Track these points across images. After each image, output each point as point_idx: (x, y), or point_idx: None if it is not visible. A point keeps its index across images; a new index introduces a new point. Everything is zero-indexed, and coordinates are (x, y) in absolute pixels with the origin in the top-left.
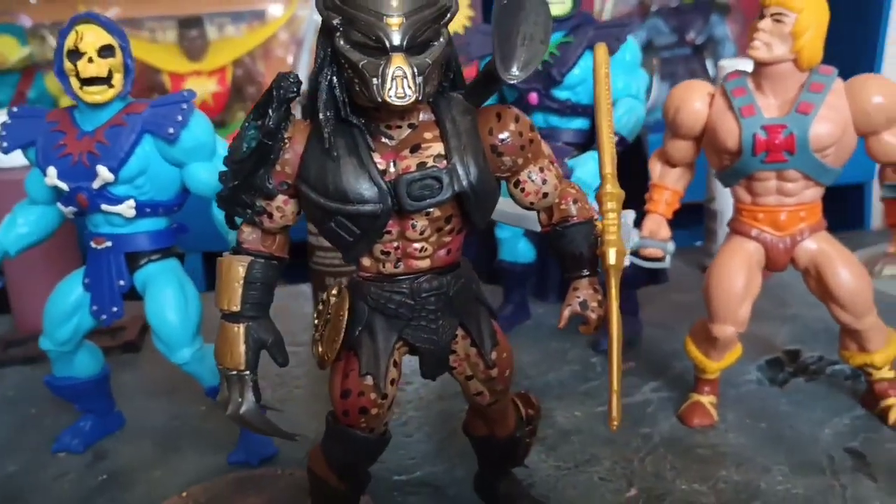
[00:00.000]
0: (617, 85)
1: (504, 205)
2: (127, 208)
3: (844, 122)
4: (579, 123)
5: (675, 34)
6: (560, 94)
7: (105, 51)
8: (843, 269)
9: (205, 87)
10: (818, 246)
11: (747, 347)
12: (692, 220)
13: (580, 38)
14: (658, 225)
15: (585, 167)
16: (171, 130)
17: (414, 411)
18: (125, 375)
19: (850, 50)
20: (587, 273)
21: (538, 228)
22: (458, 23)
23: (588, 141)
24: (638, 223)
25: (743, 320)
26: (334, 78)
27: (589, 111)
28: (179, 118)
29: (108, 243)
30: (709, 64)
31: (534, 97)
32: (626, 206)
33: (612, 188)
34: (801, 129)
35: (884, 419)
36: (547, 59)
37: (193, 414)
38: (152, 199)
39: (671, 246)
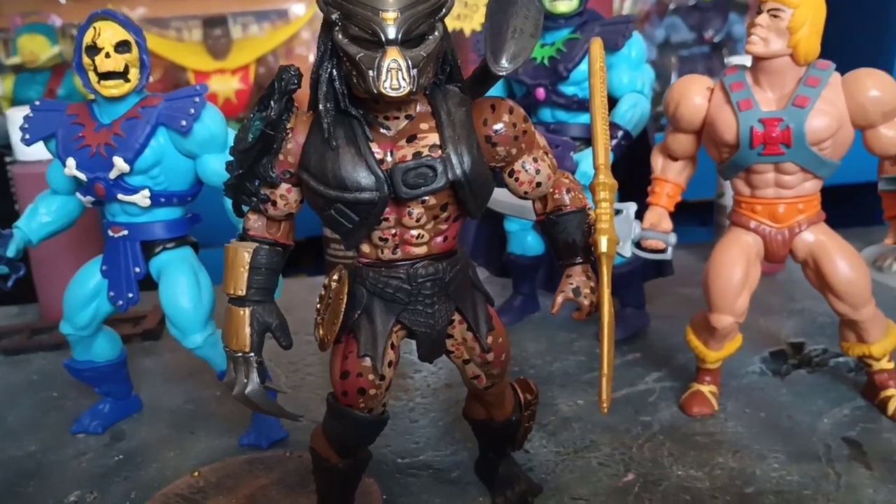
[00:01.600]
0: (622, 80)
1: (501, 194)
2: (142, 198)
3: (841, 116)
4: (586, 118)
5: (693, 32)
6: (567, 89)
7: (121, 46)
8: (841, 260)
9: (229, 85)
10: (816, 237)
11: (752, 340)
12: (707, 217)
13: (587, 35)
14: (659, 217)
15: (591, 160)
16: (183, 123)
17: (421, 398)
18: (145, 362)
19: (865, 48)
20: (580, 260)
21: (534, 217)
22: (476, 21)
23: None
24: (641, 215)
25: (741, 311)
26: (334, 71)
27: None
28: (192, 111)
29: (125, 232)
30: (727, 62)
31: (541, 92)
32: (631, 199)
33: (605, 178)
34: (797, 123)
35: (883, 410)
36: (554, 55)
37: (208, 398)
38: (167, 189)
39: (673, 238)
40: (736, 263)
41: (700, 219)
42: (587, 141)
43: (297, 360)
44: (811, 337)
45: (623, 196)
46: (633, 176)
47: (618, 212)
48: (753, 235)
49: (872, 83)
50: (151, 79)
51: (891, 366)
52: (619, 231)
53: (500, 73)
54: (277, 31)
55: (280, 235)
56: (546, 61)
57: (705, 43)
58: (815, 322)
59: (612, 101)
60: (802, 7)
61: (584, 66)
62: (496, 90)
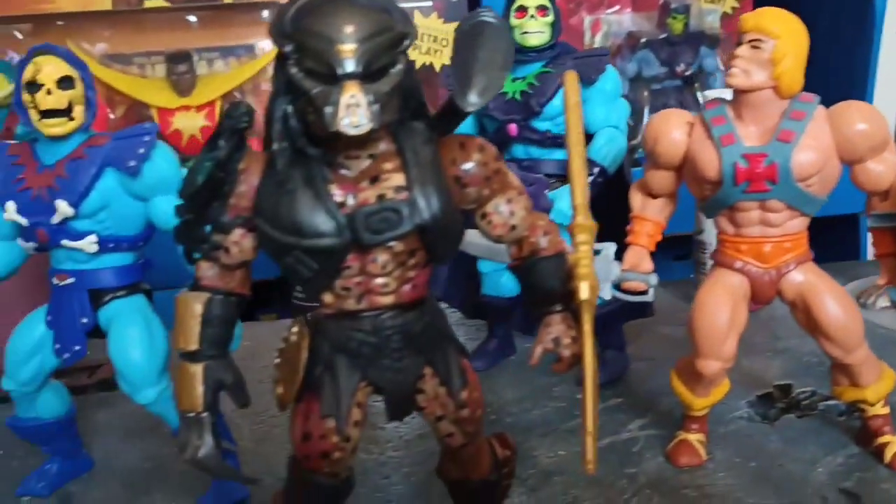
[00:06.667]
0: (598, 115)
1: (473, 236)
2: (88, 244)
3: (827, 151)
4: (561, 154)
5: (664, 66)
6: (540, 125)
7: (64, 82)
8: (832, 301)
9: (194, 122)
10: (805, 277)
11: (737, 382)
12: (683, 251)
13: (559, 69)
14: (640, 257)
15: (566, 199)
16: (132, 163)
17: (393, 451)
18: (99, 414)
19: (840, 78)
20: (559, 308)
21: (508, 260)
22: (447, 55)
23: None
24: (620, 255)
25: (729, 355)
26: (289, 107)
27: None
28: (141, 151)
29: (71, 279)
30: (699, 96)
31: (513, 128)
32: (609, 238)
33: (584, 219)
34: (782, 158)
35: (879, 457)
36: (525, 89)
37: (167, 455)
38: (115, 234)
39: (654, 278)
40: (722, 306)
41: (675, 253)
42: (562, 178)
43: (263, 411)
44: (798, 378)
45: (599, 235)
46: (609, 213)
47: (596, 252)
48: (739, 276)
49: (860, 116)
50: (114, 115)
51: (885, 411)
52: (598, 272)
53: (469, 109)
54: (244, 67)
55: (235, 284)
56: (518, 96)
57: (676, 77)
58: (801, 362)
59: (587, 137)
60: (784, 38)
61: (557, 101)
62: (465, 127)
